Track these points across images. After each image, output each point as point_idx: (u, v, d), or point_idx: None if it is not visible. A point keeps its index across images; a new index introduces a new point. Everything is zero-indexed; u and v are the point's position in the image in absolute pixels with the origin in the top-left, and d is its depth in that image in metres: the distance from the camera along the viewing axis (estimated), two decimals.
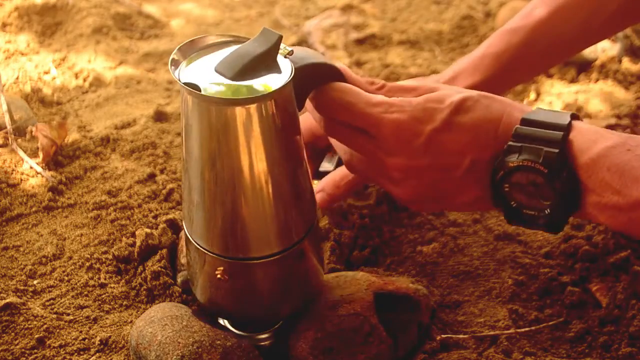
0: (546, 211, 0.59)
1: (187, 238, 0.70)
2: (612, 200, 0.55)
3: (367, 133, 0.64)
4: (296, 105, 0.64)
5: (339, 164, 0.88)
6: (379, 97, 0.63)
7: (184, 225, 0.70)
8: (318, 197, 0.79)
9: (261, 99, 0.59)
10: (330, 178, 0.82)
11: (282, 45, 0.63)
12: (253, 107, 0.59)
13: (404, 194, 0.66)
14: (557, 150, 0.57)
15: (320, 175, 0.88)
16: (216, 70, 0.61)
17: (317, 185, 0.86)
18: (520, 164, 0.58)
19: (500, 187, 0.60)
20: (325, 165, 0.89)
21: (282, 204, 0.65)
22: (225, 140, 0.60)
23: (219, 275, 0.67)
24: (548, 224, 0.61)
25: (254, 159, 0.61)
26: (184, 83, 0.59)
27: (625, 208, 0.55)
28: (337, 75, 0.67)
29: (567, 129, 0.58)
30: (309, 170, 0.69)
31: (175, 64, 0.63)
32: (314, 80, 0.66)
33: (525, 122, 0.59)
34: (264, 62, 0.61)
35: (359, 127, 0.64)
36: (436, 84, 0.67)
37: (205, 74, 0.61)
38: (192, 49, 0.65)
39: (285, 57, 0.63)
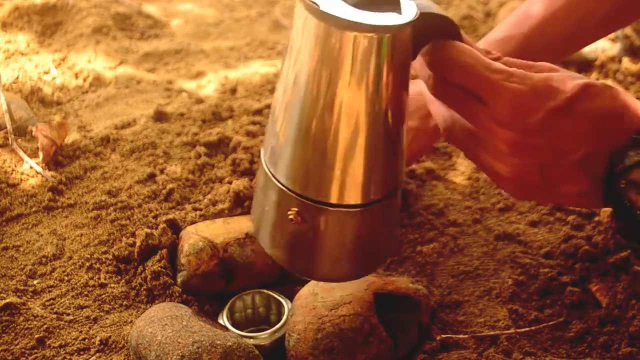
0: None
1: (264, 173, 0.65)
2: None
3: (481, 99, 0.59)
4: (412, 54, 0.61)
5: None
6: (499, 65, 0.59)
7: (264, 160, 0.65)
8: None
9: (383, 29, 0.55)
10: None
11: None
12: (373, 37, 0.55)
13: (507, 172, 0.60)
14: None
15: None
16: None
17: None
18: None
19: (615, 182, 0.56)
20: None
21: (380, 151, 0.61)
22: (336, 67, 0.56)
23: (291, 216, 0.62)
24: None
25: (362, 94, 0.57)
26: None
27: None
28: (456, 34, 0.62)
29: None
30: (405, 127, 0.65)
31: None
32: (432, 33, 0.61)
33: None
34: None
35: (473, 92, 0.59)
36: (552, 66, 0.62)
37: None
38: None
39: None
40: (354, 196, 0.61)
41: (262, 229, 0.68)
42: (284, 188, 0.62)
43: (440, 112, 0.65)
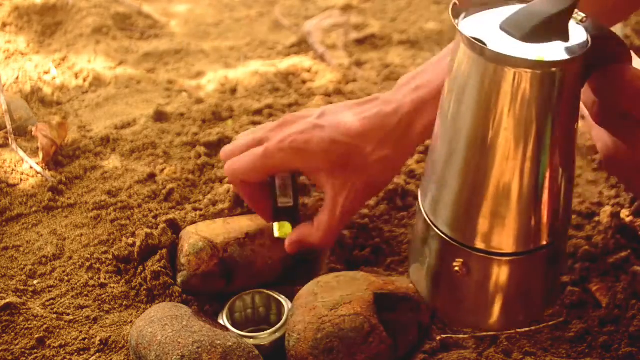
0: None
1: (424, 221, 0.61)
2: None
3: None
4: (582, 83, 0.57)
5: (296, 195, 0.82)
6: None
7: (424, 209, 0.62)
8: (315, 238, 0.75)
9: (561, 64, 0.52)
10: (325, 215, 0.76)
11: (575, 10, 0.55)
12: (548, 73, 0.52)
13: None
14: None
15: (279, 212, 0.82)
16: (502, 28, 0.54)
17: (282, 227, 0.80)
18: None
19: None
20: (283, 200, 0.82)
21: (551, 194, 0.57)
22: (507, 108, 0.53)
23: (456, 268, 0.59)
24: None
25: (533, 134, 0.54)
26: (468, 36, 0.52)
27: None
28: (627, 56, 0.57)
29: None
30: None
31: (456, 13, 0.56)
32: (602, 57, 0.56)
33: None
34: (556, 26, 0.53)
35: None
36: None
37: (489, 30, 0.54)
38: (473, 2, 0.57)
39: (578, 23, 0.55)
40: (523, 243, 0.58)
41: (422, 279, 0.65)
42: (447, 239, 0.59)
43: (602, 139, 0.62)
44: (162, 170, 1.03)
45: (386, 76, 1.31)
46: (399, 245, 0.91)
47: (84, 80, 1.31)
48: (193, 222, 0.90)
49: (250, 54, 1.44)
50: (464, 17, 0.56)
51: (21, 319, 0.78)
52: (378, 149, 0.75)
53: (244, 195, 0.82)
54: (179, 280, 0.83)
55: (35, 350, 0.75)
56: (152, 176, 1.01)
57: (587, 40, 0.53)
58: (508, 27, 0.53)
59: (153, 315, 0.73)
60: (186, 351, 0.67)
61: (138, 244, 0.85)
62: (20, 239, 0.91)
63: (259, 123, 1.13)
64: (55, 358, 0.75)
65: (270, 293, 0.81)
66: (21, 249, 0.89)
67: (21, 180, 1.00)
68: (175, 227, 0.89)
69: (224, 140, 1.08)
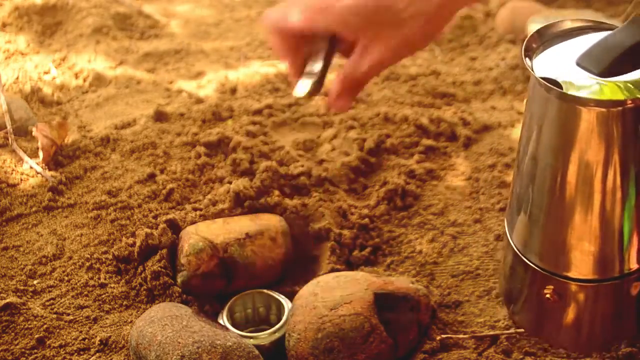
0: None
1: (513, 253, 0.64)
2: None
3: None
4: None
5: (327, 61, 0.75)
6: None
7: (512, 241, 0.64)
8: (335, 87, 0.68)
9: (631, 102, 0.51)
10: (352, 62, 0.69)
11: None
12: (631, 110, 0.52)
13: None
14: None
15: (307, 74, 0.74)
16: (578, 64, 0.53)
17: (304, 86, 0.72)
18: None
19: None
20: (312, 64, 0.75)
21: (635, 221, 0.58)
22: (585, 144, 0.53)
23: (548, 295, 0.62)
24: None
25: (619, 168, 0.55)
26: (541, 78, 0.52)
27: None
28: None
29: None
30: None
31: (529, 50, 0.55)
32: None
33: None
34: (634, 57, 0.52)
35: None
36: None
37: (564, 66, 0.54)
38: (547, 35, 0.57)
39: None
40: (610, 270, 0.60)
41: (516, 306, 0.68)
42: (537, 268, 0.62)
43: None
44: (162, 170, 1.03)
45: (386, 76, 1.31)
46: (399, 245, 0.91)
47: (84, 80, 1.31)
48: (193, 222, 0.90)
49: (250, 54, 1.44)
50: (537, 54, 0.55)
51: (21, 319, 0.78)
52: (411, 5, 0.73)
53: (277, 46, 0.77)
54: (179, 280, 0.83)
55: (35, 350, 0.75)
56: (152, 176, 1.01)
57: None
58: (585, 63, 0.52)
59: (153, 315, 0.73)
60: (186, 351, 0.67)
61: (138, 244, 0.85)
62: (20, 239, 0.91)
63: (259, 123, 1.13)
64: (55, 358, 0.75)
65: (270, 293, 0.81)
66: (21, 249, 0.89)
67: (21, 180, 1.00)
68: (175, 227, 0.89)
69: (223, 140, 1.08)
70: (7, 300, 0.79)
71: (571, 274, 0.60)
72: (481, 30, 1.50)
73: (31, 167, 1.02)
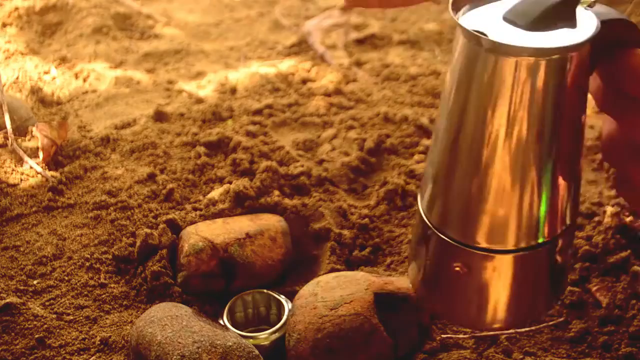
0: None
1: (422, 222, 0.60)
2: None
3: None
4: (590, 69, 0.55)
5: None
6: None
7: (421, 208, 0.60)
8: None
9: (567, 50, 0.50)
10: None
11: None
12: (554, 60, 0.50)
13: None
14: None
15: None
16: (505, 18, 0.53)
17: None
18: None
19: None
20: None
21: (556, 186, 0.55)
22: (511, 100, 0.51)
23: (457, 268, 0.58)
24: None
25: (534, 125, 0.52)
26: (471, 29, 0.51)
27: None
28: (636, 40, 0.56)
29: None
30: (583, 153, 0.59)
31: (456, 7, 0.54)
32: (611, 41, 0.55)
33: None
34: (562, 12, 0.52)
35: None
36: None
37: (491, 21, 0.53)
38: None
39: (586, 8, 0.53)
40: (525, 239, 0.56)
41: (421, 279, 0.63)
42: (446, 238, 0.58)
43: (605, 126, 0.60)
44: (162, 170, 1.03)
45: (386, 76, 1.31)
46: (399, 245, 0.91)
47: (84, 80, 1.31)
48: (193, 222, 0.90)
49: (250, 54, 1.44)
50: (465, 12, 0.55)
51: (21, 319, 0.78)
52: None
53: None
54: (179, 280, 0.83)
55: (35, 350, 0.75)
56: (152, 176, 1.01)
57: (597, 25, 0.52)
58: (512, 17, 0.52)
59: (153, 315, 0.73)
60: (186, 351, 0.67)
61: (138, 244, 0.85)
62: (20, 239, 0.91)
63: (259, 123, 1.13)
64: (55, 358, 0.75)
65: (270, 293, 0.81)
66: (21, 249, 0.89)
67: (21, 180, 1.00)
68: (175, 227, 0.89)
69: (224, 140, 1.08)
70: (7, 300, 0.79)
71: (482, 244, 0.56)
72: None
73: (31, 167, 1.02)
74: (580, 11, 0.53)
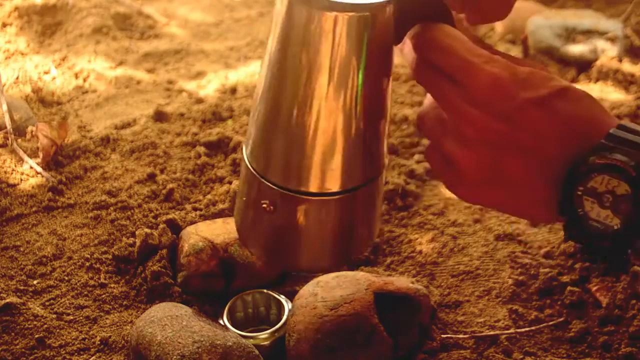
0: (615, 227, 0.54)
1: (244, 166, 0.64)
2: None
3: (458, 83, 0.58)
4: (394, 36, 0.59)
5: None
6: (483, 50, 0.58)
7: (245, 152, 0.64)
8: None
9: (356, 7, 0.54)
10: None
11: None
12: (345, 16, 0.54)
13: (466, 160, 0.58)
14: None
15: None
16: None
17: None
18: (608, 162, 0.53)
19: (573, 188, 0.55)
20: None
21: (360, 137, 0.59)
22: (313, 50, 0.56)
23: (264, 205, 0.61)
24: (614, 241, 0.55)
25: (334, 76, 0.56)
26: None
27: None
28: (445, 15, 0.61)
29: None
30: (388, 114, 0.63)
31: None
32: (418, 14, 0.60)
33: (622, 127, 0.55)
34: None
35: (452, 75, 0.58)
36: (542, 65, 0.61)
37: None
38: None
39: None
40: (332, 184, 0.60)
41: (242, 224, 0.67)
42: (262, 179, 0.61)
43: (425, 101, 0.64)
44: (162, 170, 1.03)
45: None
46: (399, 245, 0.91)
47: (84, 80, 1.31)
48: (193, 222, 0.90)
49: (250, 54, 1.44)
50: None
51: (21, 319, 0.78)
52: None
53: None
54: (179, 280, 0.83)
55: (35, 350, 0.75)
56: (152, 176, 1.01)
57: None
58: None
59: (153, 315, 0.73)
60: (186, 351, 0.67)
61: (138, 244, 0.85)
62: (20, 239, 0.91)
63: None
64: (56, 358, 0.75)
65: (270, 293, 0.81)
66: (21, 249, 0.89)
67: (21, 180, 1.00)
68: (175, 227, 0.89)
69: (224, 140, 1.08)
70: (7, 300, 0.79)
71: (295, 187, 0.60)
72: (481, 30, 1.49)
73: (31, 167, 1.02)
74: None
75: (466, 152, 0.58)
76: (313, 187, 0.60)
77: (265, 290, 0.82)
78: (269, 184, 0.61)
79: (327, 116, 0.58)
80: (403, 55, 0.63)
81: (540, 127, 0.56)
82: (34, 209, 0.96)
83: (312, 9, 0.55)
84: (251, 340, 0.75)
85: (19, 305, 0.79)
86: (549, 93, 0.56)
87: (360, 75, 0.57)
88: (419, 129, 0.64)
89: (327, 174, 0.60)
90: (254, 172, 0.62)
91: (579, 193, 0.55)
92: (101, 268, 0.86)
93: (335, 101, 0.57)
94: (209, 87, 1.29)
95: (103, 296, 0.82)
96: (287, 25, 0.57)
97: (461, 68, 0.57)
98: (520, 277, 0.85)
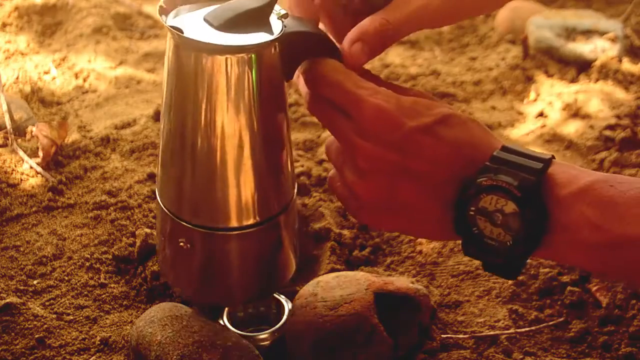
0: (508, 243, 0.56)
1: (158, 205, 0.67)
2: (590, 238, 0.53)
3: (347, 115, 0.61)
4: (283, 73, 0.62)
5: None
6: (369, 83, 0.61)
7: (157, 192, 0.67)
8: (355, 48, 0.65)
9: (239, 49, 0.57)
10: (368, 23, 0.65)
11: (277, 7, 0.61)
12: (230, 58, 0.57)
13: (365, 192, 0.61)
14: (534, 178, 0.55)
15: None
16: (204, 19, 0.59)
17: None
18: (494, 183, 0.56)
19: (465, 209, 0.58)
20: None
21: (263, 171, 0.62)
22: (198, 90, 0.58)
23: (181, 243, 0.65)
24: (508, 257, 0.58)
25: (227, 116, 0.59)
26: (169, 25, 0.58)
27: (604, 245, 0.53)
28: (332, 51, 0.63)
29: (548, 162, 0.57)
30: (290, 146, 0.67)
31: (165, 11, 0.61)
32: (306, 50, 0.62)
33: (505, 149, 0.58)
34: (255, 19, 0.59)
35: (341, 107, 0.61)
36: (427, 93, 0.65)
37: (194, 21, 0.59)
38: (186, 0, 0.63)
39: (278, 19, 0.61)
40: (243, 218, 0.63)
41: (163, 261, 0.70)
42: (175, 218, 0.64)
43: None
44: None
45: (386, 76, 1.31)
46: (399, 245, 0.91)
47: (84, 80, 1.31)
48: None
49: None
50: (179, 13, 0.61)
51: (21, 319, 0.78)
52: None
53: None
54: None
55: (35, 350, 0.75)
56: (152, 176, 1.01)
57: (280, 31, 0.59)
58: (209, 18, 0.59)
59: (153, 315, 0.73)
60: (186, 351, 0.67)
61: (138, 244, 0.85)
62: (20, 239, 0.91)
63: None
64: (56, 358, 0.75)
65: None
66: (21, 249, 0.89)
67: (21, 180, 1.00)
68: None
69: None
70: (7, 300, 0.79)
71: (203, 223, 0.63)
72: (481, 30, 1.50)
73: (31, 167, 1.02)
74: (273, 21, 0.61)
75: (362, 182, 0.61)
76: (225, 223, 0.63)
77: None
78: (182, 222, 0.64)
79: (228, 152, 0.60)
80: (299, 88, 0.66)
81: (428, 153, 0.59)
82: (34, 209, 0.96)
83: (201, 53, 0.57)
84: (251, 340, 0.75)
85: (19, 305, 0.79)
86: (433, 120, 0.59)
87: (255, 111, 0.60)
88: (327, 156, 0.67)
89: (236, 208, 0.63)
90: (167, 211, 0.65)
91: (472, 213, 0.58)
92: (101, 268, 0.86)
93: (233, 138, 0.60)
94: None
95: (103, 296, 0.82)
96: (179, 71, 0.59)
97: (349, 101, 0.60)
98: (520, 277, 0.85)
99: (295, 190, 0.69)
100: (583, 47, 1.35)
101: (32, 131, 1.08)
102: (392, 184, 0.60)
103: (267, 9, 0.60)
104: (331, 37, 0.65)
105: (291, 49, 0.61)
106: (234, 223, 0.63)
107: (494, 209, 0.57)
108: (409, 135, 0.58)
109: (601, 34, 1.37)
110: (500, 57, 1.39)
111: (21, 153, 1.04)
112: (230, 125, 0.59)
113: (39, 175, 1.01)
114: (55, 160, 1.05)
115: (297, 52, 0.62)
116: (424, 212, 0.60)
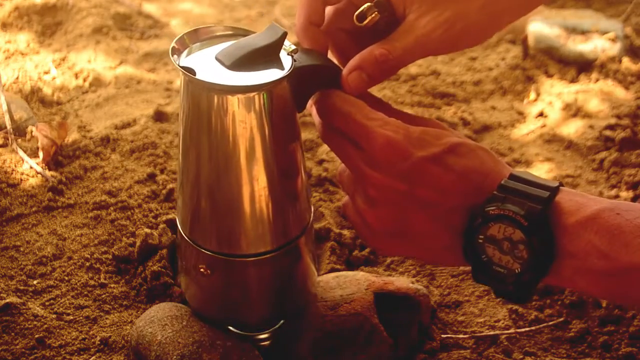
0: (516, 270, 0.58)
1: (179, 234, 0.69)
2: (597, 265, 0.54)
3: (358, 145, 0.63)
4: (296, 105, 0.64)
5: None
6: (379, 113, 0.63)
7: (178, 221, 0.70)
8: (353, 76, 0.66)
9: (250, 89, 0.59)
10: (368, 53, 0.66)
11: (287, 43, 0.62)
12: (242, 97, 0.59)
13: (375, 220, 0.63)
14: (540, 207, 0.56)
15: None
16: (216, 58, 0.61)
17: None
18: (501, 212, 0.57)
19: (474, 237, 0.59)
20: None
21: (277, 202, 0.64)
22: (213, 126, 0.60)
23: (202, 270, 0.67)
24: (516, 284, 0.58)
25: (242, 151, 0.61)
26: (180, 66, 0.59)
27: (611, 273, 0.53)
28: (340, 80, 0.65)
29: (555, 190, 0.57)
30: (305, 171, 0.68)
31: (177, 51, 0.63)
32: (317, 82, 0.64)
33: (513, 177, 0.59)
34: (265, 56, 0.61)
35: (352, 137, 0.63)
36: (437, 122, 0.65)
37: (205, 61, 0.61)
38: (197, 38, 0.64)
39: (288, 54, 0.62)
40: (262, 245, 0.65)
41: (187, 287, 0.72)
42: (195, 246, 0.66)
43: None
44: (162, 170, 1.03)
45: None
46: None
47: (84, 80, 1.31)
48: None
49: None
50: (191, 51, 0.63)
51: (21, 319, 0.78)
52: None
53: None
54: (179, 280, 0.83)
55: (35, 350, 0.75)
56: (152, 176, 1.01)
57: (291, 66, 0.60)
58: (221, 58, 0.60)
59: (153, 315, 0.73)
60: (186, 351, 0.67)
61: (138, 244, 0.85)
62: (20, 239, 0.91)
63: None
64: (56, 358, 0.75)
65: None
66: (21, 249, 0.89)
67: (21, 180, 1.00)
68: (175, 227, 0.89)
69: None
70: (7, 300, 0.79)
71: (222, 250, 0.65)
72: None
73: (31, 167, 1.02)
74: (283, 56, 0.62)
75: (372, 211, 0.63)
76: (245, 250, 0.65)
77: None
78: (203, 250, 0.66)
79: (245, 184, 0.62)
80: (312, 117, 0.68)
81: (437, 182, 0.59)
82: (34, 209, 0.96)
83: (214, 93, 0.59)
84: (251, 340, 0.75)
85: (19, 305, 0.79)
86: (442, 150, 0.60)
87: (269, 143, 0.62)
88: (339, 184, 0.69)
89: (256, 236, 0.65)
90: (188, 240, 0.67)
91: (480, 241, 0.58)
92: (101, 268, 0.86)
93: (250, 171, 0.62)
94: None
95: (103, 296, 0.82)
96: (194, 109, 0.61)
97: (359, 132, 0.62)
98: None
99: (312, 214, 0.71)
100: (583, 47, 1.35)
101: (32, 131, 1.08)
102: (401, 212, 0.61)
103: (277, 46, 0.61)
104: (340, 66, 0.66)
105: (302, 83, 0.62)
106: (252, 250, 0.65)
107: (502, 237, 0.57)
108: (417, 165, 0.59)
109: (601, 33, 1.37)
110: (500, 57, 1.39)
111: (21, 153, 1.04)
112: (246, 159, 0.61)
113: (39, 175, 1.01)
114: (55, 160, 1.05)
115: (308, 85, 0.64)
116: (434, 240, 0.61)
